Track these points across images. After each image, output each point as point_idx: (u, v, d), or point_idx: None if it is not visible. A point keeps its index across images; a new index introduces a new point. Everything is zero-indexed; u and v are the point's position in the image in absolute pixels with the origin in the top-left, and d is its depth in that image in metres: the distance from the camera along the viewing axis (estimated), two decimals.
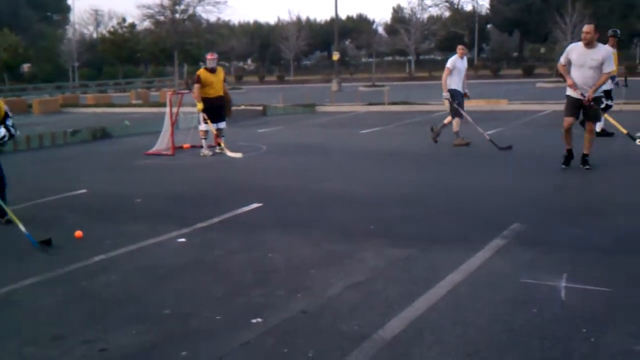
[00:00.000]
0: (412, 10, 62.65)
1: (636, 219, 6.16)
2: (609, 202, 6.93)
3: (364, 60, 75.96)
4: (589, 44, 8.36)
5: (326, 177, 9.23)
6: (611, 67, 8.44)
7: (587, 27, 8.41)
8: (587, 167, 8.72)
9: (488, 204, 7.06)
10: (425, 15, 66.23)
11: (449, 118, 12.11)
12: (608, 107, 11.99)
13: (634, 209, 6.58)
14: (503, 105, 21.13)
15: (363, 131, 15.36)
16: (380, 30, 76.83)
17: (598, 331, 3.64)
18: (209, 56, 11.80)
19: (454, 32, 39.13)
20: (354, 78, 55.23)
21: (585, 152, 8.82)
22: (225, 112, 11.99)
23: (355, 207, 7.20)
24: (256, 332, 3.79)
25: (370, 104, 23.34)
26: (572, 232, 5.75)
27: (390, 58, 73.64)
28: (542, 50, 58.02)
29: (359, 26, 73.47)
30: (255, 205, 7.29)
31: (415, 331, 3.74)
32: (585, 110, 8.72)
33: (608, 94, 11.98)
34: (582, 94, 8.49)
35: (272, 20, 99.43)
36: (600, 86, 8.54)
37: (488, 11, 67.66)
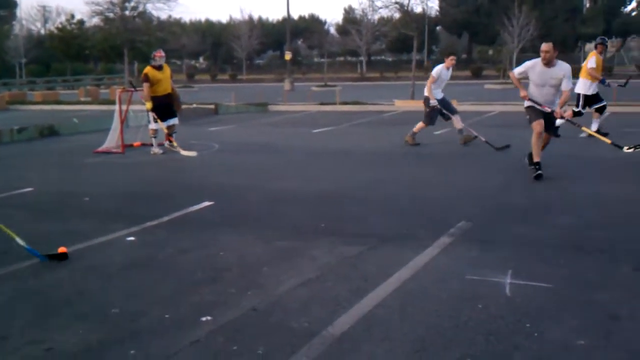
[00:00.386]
0: (363, 11, 62.87)
1: (579, 217, 6.36)
2: (554, 200, 7.14)
3: (316, 60, 76.09)
4: (549, 63, 8.08)
5: (278, 175, 9.25)
6: (570, 84, 8.17)
7: (545, 46, 8.03)
8: (539, 178, 8.24)
9: (437, 203, 7.18)
10: (376, 17, 66.69)
11: (458, 123, 11.97)
12: (604, 107, 12.43)
13: (577, 207, 6.79)
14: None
15: (315, 130, 15.41)
16: (332, 30, 77.05)
17: (541, 326, 3.75)
18: (156, 54, 11.64)
19: (405, 34, 39.52)
20: (306, 78, 55.25)
21: (537, 159, 8.48)
22: (175, 109, 11.88)
23: (307, 205, 7.24)
24: (206, 330, 3.79)
25: (322, 104, 23.43)
26: (517, 230, 5.91)
27: (342, 58, 73.94)
28: (490, 52, 59.14)
29: (311, 26, 73.53)
30: (206, 203, 7.25)
31: (364, 327, 3.79)
32: (548, 119, 8.39)
33: (588, 100, 12.35)
34: (548, 109, 8.25)
35: (224, 19, 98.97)
36: (564, 104, 8.28)
37: (437, 13, 68.54)
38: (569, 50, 59.49)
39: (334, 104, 23.04)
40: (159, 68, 11.52)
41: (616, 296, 4.22)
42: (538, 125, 8.32)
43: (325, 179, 8.90)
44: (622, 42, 63.97)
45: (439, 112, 11.92)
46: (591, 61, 12.23)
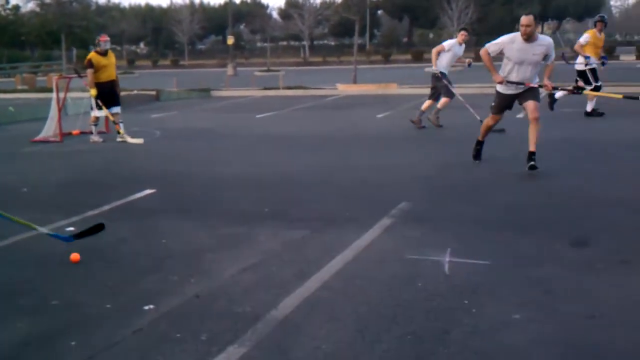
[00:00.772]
0: None
1: (516, 195, 6.55)
2: (493, 180, 7.32)
3: (259, 45, 75.67)
4: (530, 38, 7.23)
5: (221, 161, 9.20)
6: (554, 56, 7.50)
7: (525, 19, 7.20)
8: (534, 166, 7.42)
9: (379, 185, 7.28)
10: (318, 1, 66.71)
11: (443, 105, 11.66)
12: (597, 88, 12.16)
13: (515, 186, 6.98)
14: (393, 89, 21.71)
15: (259, 115, 15.37)
16: (275, 15, 76.74)
17: (479, 302, 3.86)
18: (101, 38, 11.33)
19: (347, 18, 39.62)
20: (249, 63, 54.87)
21: (531, 149, 7.49)
22: (118, 97, 11.65)
23: (250, 190, 7.23)
24: (148, 319, 3.77)
25: (265, 89, 23.35)
26: (456, 209, 6.05)
27: (285, 43, 73.74)
28: (431, 35, 59.85)
29: (253, 10, 72.95)
30: (148, 191, 7.17)
31: (308, 309, 3.84)
32: (519, 97, 7.61)
33: (594, 73, 12.26)
34: (529, 84, 7.45)
35: (165, 3, 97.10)
36: (550, 75, 7.55)
37: None
38: (506, 33, 60.60)
39: (278, 88, 22.98)
40: (104, 54, 11.24)
41: (551, 272, 4.37)
42: (492, 119, 7.98)
43: (269, 164, 8.90)
44: (558, 25, 65.57)
45: (441, 84, 11.50)
46: (583, 37, 12.34)
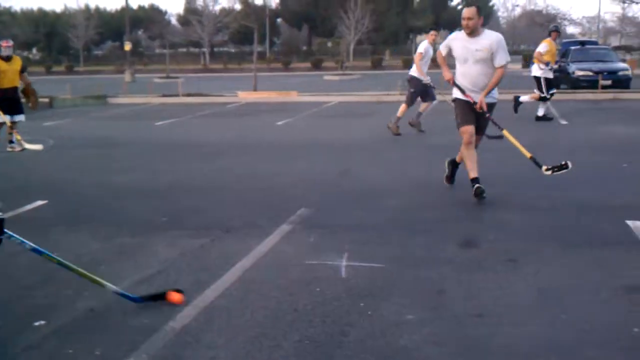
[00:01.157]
0: (204, 1, 62.24)
1: (409, 199, 6.75)
2: (389, 185, 7.50)
3: (158, 51, 74.22)
4: (473, 32, 6.43)
5: (118, 170, 8.97)
6: (505, 59, 6.44)
7: (467, 12, 6.41)
8: (482, 194, 6.39)
9: (278, 192, 7.32)
10: (218, 8, 66.29)
11: (425, 109, 11.63)
12: (551, 95, 13.08)
13: (409, 190, 7.20)
14: (293, 96, 21.90)
15: (158, 123, 15.09)
16: (174, 21, 75.57)
17: (374, 305, 3.97)
18: (3, 43, 10.77)
19: (246, 26, 39.58)
20: (148, 69, 53.66)
21: (473, 174, 6.55)
22: (21, 105, 11.10)
23: (147, 199, 7.10)
24: (40, 335, 3.64)
25: (164, 96, 22.97)
26: (354, 214, 6.18)
27: (184, 49, 72.68)
28: (329, 44, 60.68)
29: (151, 16, 71.53)
30: (39, 202, 6.90)
31: (206, 319, 3.82)
32: (476, 115, 6.58)
33: (549, 83, 13.02)
34: (473, 100, 6.49)
35: (59, 8, 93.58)
36: (494, 87, 6.51)
37: (278, 5, 69.31)
38: (401, 42, 62.47)
39: (177, 95, 22.66)
40: (6, 59, 10.70)
41: (443, 271, 4.55)
42: (466, 132, 6.56)
43: (167, 172, 8.76)
44: (449, 34, 68.24)
45: (422, 92, 11.36)
46: (541, 46, 13.11)
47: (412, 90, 11.54)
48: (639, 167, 8.04)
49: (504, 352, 3.37)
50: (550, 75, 13.11)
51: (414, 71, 11.34)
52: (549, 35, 13.40)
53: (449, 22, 64.11)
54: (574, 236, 5.36)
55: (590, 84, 16.45)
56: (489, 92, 6.46)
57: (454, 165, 7.15)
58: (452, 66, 6.65)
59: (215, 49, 69.97)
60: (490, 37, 6.45)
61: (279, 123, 13.51)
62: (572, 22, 76.63)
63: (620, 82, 19.02)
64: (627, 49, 45.82)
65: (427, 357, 3.33)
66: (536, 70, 13.18)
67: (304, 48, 69.02)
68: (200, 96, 22.57)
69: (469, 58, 6.49)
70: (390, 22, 56.41)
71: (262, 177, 8.25)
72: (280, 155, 10.16)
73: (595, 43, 21.35)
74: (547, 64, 12.88)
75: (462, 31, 6.56)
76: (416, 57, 11.28)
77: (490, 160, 7.64)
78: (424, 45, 11.36)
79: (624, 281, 4.28)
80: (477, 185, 6.43)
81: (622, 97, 17.56)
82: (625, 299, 4.03)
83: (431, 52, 11.27)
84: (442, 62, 6.84)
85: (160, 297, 4.05)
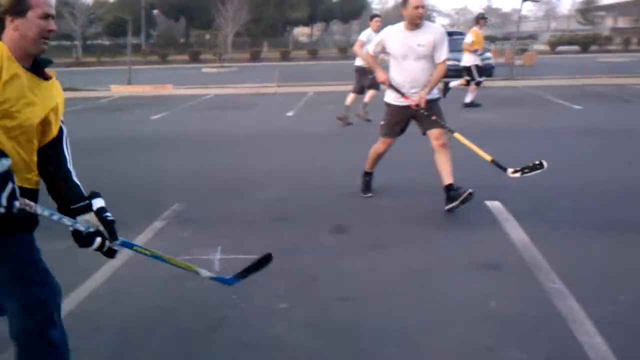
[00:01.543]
0: None
1: (280, 190, 6.83)
2: (263, 177, 7.52)
3: None
4: (418, 25, 5.78)
5: None
6: (445, 54, 5.84)
7: (419, 0, 5.71)
8: (456, 203, 5.67)
9: (151, 187, 7.20)
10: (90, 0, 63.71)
11: (368, 99, 11.42)
12: (479, 83, 13.56)
13: (279, 181, 7.28)
14: (169, 90, 21.46)
15: None
16: None
17: (247, 296, 3.99)
18: None
19: (121, 17, 38.28)
20: None
21: (448, 181, 5.80)
22: None
23: None
24: None
25: None
26: (227, 207, 6.19)
27: (55, 42, 69.29)
28: (207, 36, 59.87)
29: None
30: None
31: (75, 321, 3.68)
32: (417, 119, 6.00)
33: (479, 69, 13.56)
34: (413, 102, 5.84)
35: None
36: (436, 85, 5.95)
37: None
38: (278, 34, 62.70)
39: None
40: None
41: (315, 259, 4.65)
42: (384, 143, 6.26)
43: None
44: (325, 26, 69.14)
45: (369, 80, 11.03)
46: (468, 37, 13.67)
47: (358, 80, 11.56)
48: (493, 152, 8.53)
49: (374, 333, 3.50)
50: (479, 62, 13.81)
51: (358, 61, 11.38)
52: (477, 23, 13.97)
53: (324, 15, 65.00)
54: (439, 219, 5.63)
55: (456, 72, 17.24)
56: (431, 90, 5.89)
57: (367, 175, 6.60)
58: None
59: (88, 42, 67.23)
60: (432, 31, 5.84)
61: (154, 117, 13.20)
62: (441, 13, 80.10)
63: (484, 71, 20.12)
64: (492, 39, 48.14)
65: (298, 343, 3.41)
66: (466, 60, 13.81)
67: (182, 40, 67.65)
68: (72, 90, 21.60)
69: (408, 54, 5.83)
70: (268, 14, 56.44)
71: (134, 172, 8.07)
72: (153, 150, 9.94)
73: (461, 34, 22.39)
74: (475, 51, 13.58)
75: (397, 25, 5.95)
76: (357, 44, 11.04)
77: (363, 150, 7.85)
78: (366, 33, 11.11)
79: (480, 258, 4.56)
80: (451, 192, 5.74)
81: (485, 85, 18.51)
82: (485, 274, 4.29)
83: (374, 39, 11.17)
84: (373, 63, 6.30)
85: (253, 269, 3.65)
